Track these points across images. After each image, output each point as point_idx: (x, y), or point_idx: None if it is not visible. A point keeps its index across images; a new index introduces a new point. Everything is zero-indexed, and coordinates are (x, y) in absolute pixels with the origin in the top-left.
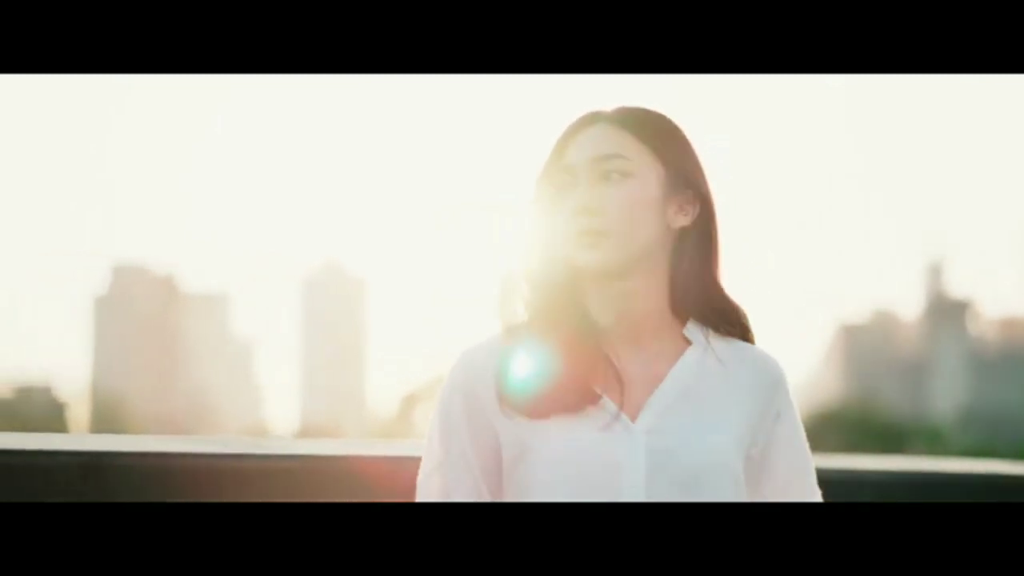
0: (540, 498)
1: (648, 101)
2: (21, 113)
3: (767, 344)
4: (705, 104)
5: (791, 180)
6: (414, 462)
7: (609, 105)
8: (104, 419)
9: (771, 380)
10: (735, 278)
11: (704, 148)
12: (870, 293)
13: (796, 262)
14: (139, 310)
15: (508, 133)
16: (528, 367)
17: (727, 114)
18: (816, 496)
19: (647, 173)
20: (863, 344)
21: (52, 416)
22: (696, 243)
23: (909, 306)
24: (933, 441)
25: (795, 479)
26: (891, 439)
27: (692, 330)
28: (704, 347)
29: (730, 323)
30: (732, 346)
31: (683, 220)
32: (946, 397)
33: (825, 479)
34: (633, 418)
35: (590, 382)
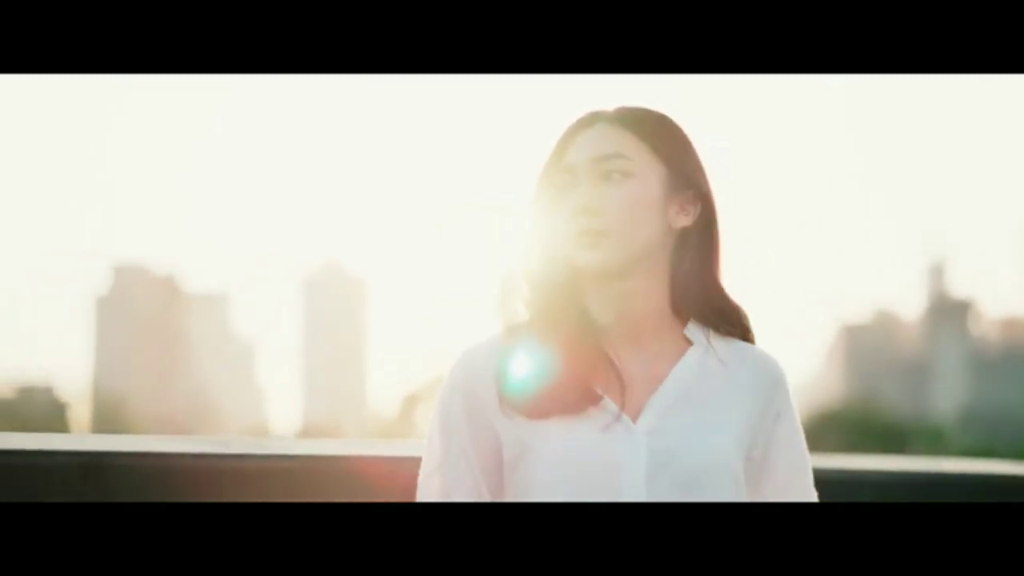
0: (540, 498)
1: (648, 101)
2: (21, 113)
3: (768, 344)
4: (705, 104)
5: (791, 180)
6: (414, 462)
7: (609, 105)
8: (105, 419)
9: (771, 380)
10: (736, 278)
11: (704, 148)
12: (871, 293)
13: (797, 262)
14: (140, 310)
15: (508, 133)
16: (528, 367)
17: (727, 114)
18: (813, 497)
19: (648, 173)
20: (864, 344)
21: (53, 416)
22: (697, 243)
23: (910, 306)
24: (934, 441)
25: (794, 479)
26: (892, 439)
27: (693, 330)
28: (705, 347)
29: (730, 323)
30: (733, 346)
31: (684, 220)
32: (947, 397)
33: (825, 479)
34: (634, 418)
35: (591, 382)
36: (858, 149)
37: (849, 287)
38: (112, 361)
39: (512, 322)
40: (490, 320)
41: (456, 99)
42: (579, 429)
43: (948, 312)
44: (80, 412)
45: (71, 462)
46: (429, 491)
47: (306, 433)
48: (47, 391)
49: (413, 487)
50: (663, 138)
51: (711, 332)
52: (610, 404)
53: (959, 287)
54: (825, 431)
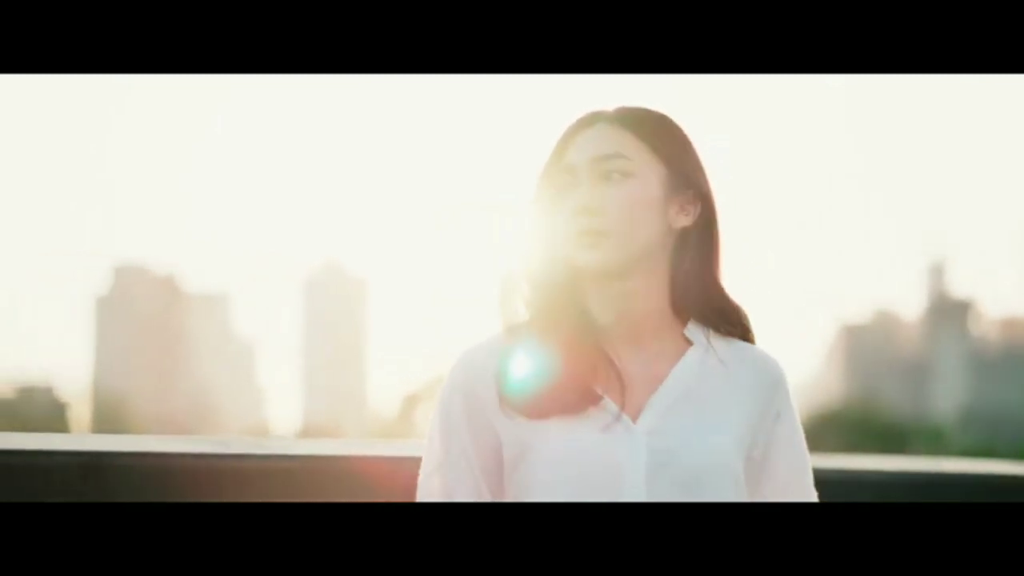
0: (541, 498)
1: (648, 101)
2: (21, 113)
3: (769, 344)
4: (705, 104)
5: (791, 180)
6: (414, 462)
7: (609, 105)
8: (105, 419)
9: (771, 380)
10: (736, 278)
11: (704, 148)
12: (871, 293)
13: (797, 262)
14: (140, 310)
15: (508, 133)
16: (528, 367)
17: (727, 114)
18: (812, 497)
19: (648, 173)
20: (864, 344)
21: (53, 416)
22: (697, 243)
23: (910, 306)
24: (934, 441)
25: (794, 480)
26: (892, 439)
27: (693, 330)
28: (705, 347)
29: (730, 323)
30: (733, 346)
31: (684, 220)
32: (947, 397)
33: (825, 479)
34: (634, 419)
35: (591, 382)
36: (858, 149)
37: (849, 287)
38: (112, 361)
39: (512, 322)
40: (491, 320)
41: (456, 99)
42: (579, 429)
43: (948, 312)
44: (80, 412)
45: (71, 462)
46: (429, 491)
47: (306, 433)
48: (47, 391)
49: (413, 487)
50: (663, 138)
51: (711, 332)
52: (610, 404)
53: (959, 287)
54: (825, 431)
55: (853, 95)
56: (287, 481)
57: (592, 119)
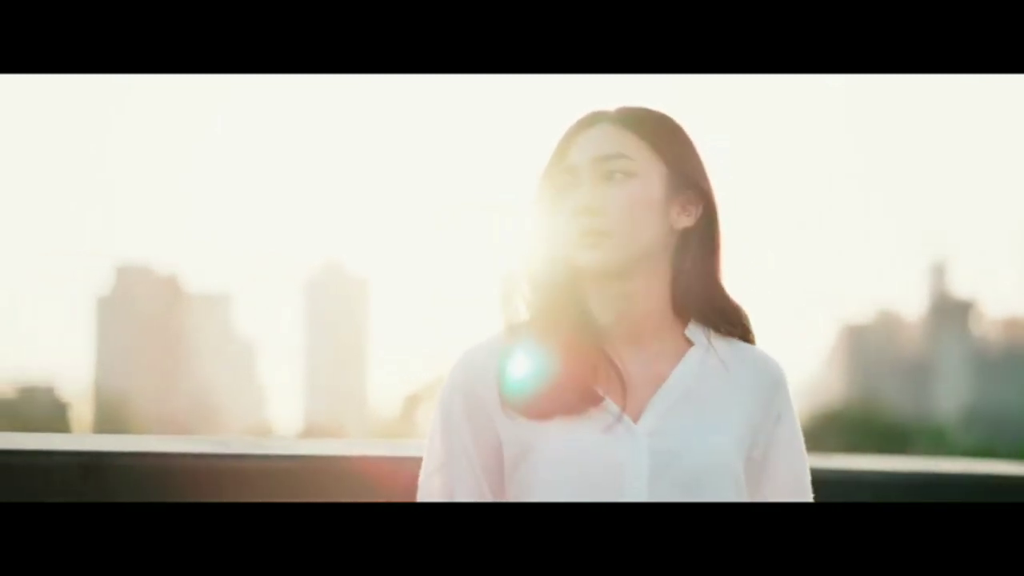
0: (542, 498)
1: (648, 101)
2: (22, 113)
3: (770, 344)
4: (705, 104)
5: (792, 180)
6: (415, 462)
7: (610, 105)
8: (107, 419)
9: (772, 381)
10: (738, 278)
11: (704, 148)
12: (873, 293)
13: (799, 262)
14: (142, 310)
15: (508, 133)
16: (529, 367)
17: (727, 114)
18: (809, 498)
19: (650, 173)
20: (866, 344)
21: (55, 416)
22: (699, 244)
23: (912, 306)
24: (936, 441)
25: (793, 480)
26: (894, 439)
27: (694, 330)
28: (706, 348)
29: (731, 323)
30: (733, 346)
31: (686, 221)
32: (949, 397)
33: (825, 479)
34: (635, 419)
35: (591, 383)
36: (858, 149)
37: (851, 287)
38: (114, 361)
39: (513, 322)
40: (492, 320)
41: (456, 99)
42: (580, 429)
43: (950, 312)
44: (81, 412)
45: (71, 462)
46: (430, 491)
47: (307, 433)
48: (49, 391)
49: (414, 487)
50: (665, 138)
51: (711, 332)
52: (611, 405)
53: (961, 287)
54: (827, 431)
55: (853, 95)
56: (287, 481)
57: (593, 119)
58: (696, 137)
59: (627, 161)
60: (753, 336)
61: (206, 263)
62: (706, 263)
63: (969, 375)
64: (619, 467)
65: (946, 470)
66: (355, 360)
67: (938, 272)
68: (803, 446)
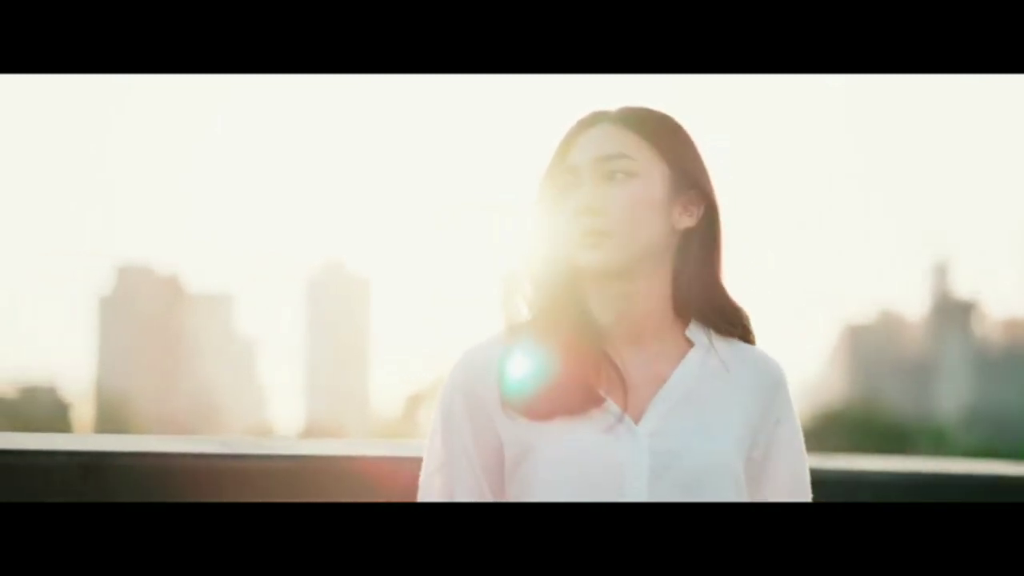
0: (542, 498)
1: (649, 101)
2: (23, 113)
3: (772, 344)
4: (705, 104)
5: (792, 180)
6: (416, 462)
7: (612, 105)
8: (108, 419)
9: (772, 382)
10: (739, 278)
11: (705, 148)
12: (875, 293)
13: (800, 262)
14: (143, 310)
15: (509, 133)
16: (530, 367)
17: (727, 114)
18: (808, 498)
19: (652, 173)
20: (868, 344)
21: (56, 416)
22: (700, 244)
23: (914, 306)
24: (937, 441)
25: (794, 481)
26: (895, 439)
27: (694, 331)
28: (707, 348)
29: (731, 323)
30: (734, 347)
31: (687, 221)
32: (951, 398)
33: (825, 479)
34: (636, 420)
35: (592, 383)
36: (859, 149)
37: (852, 287)
38: (115, 361)
39: (514, 322)
40: (493, 320)
41: (457, 99)
42: (581, 430)
43: (951, 312)
44: (83, 412)
45: (71, 462)
46: (431, 491)
47: (308, 433)
48: (50, 391)
49: (414, 487)
50: (667, 138)
51: (712, 333)
52: (612, 405)
53: (962, 287)
54: (828, 431)
55: (853, 95)
56: (287, 481)
57: (595, 119)
58: (697, 137)
59: (629, 161)
60: (753, 336)
61: (207, 263)
62: (707, 263)
63: (970, 375)
64: (620, 467)
65: (947, 470)
66: (356, 360)
67: (940, 272)
68: (803, 446)
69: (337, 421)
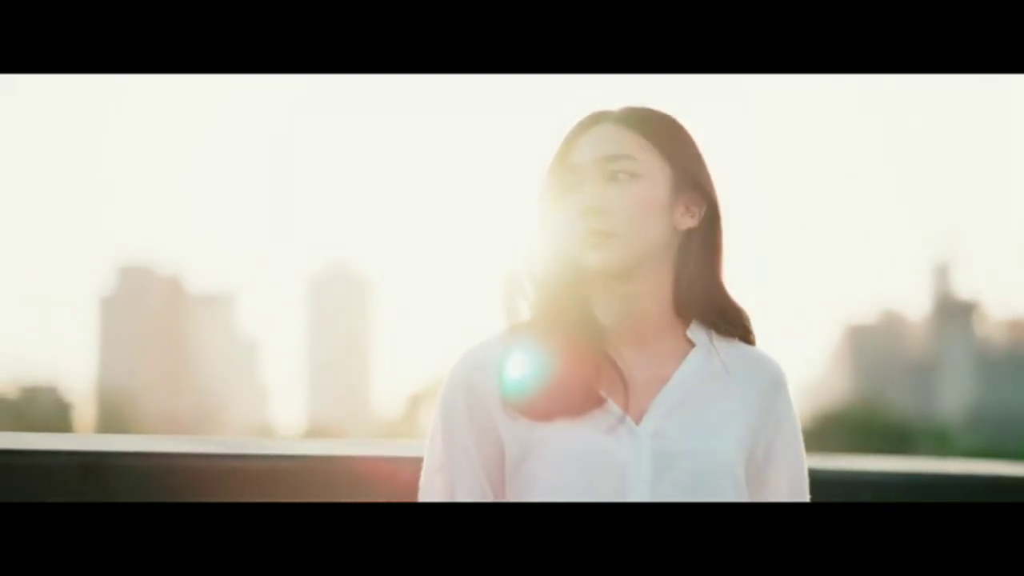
0: (543, 498)
1: (650, 101)
2: (23, 113)
3: (774, 345)
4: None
5: (793, 180)
6: (417, 462)
7: (614, 105)
8: (110, 419)
9: (773, 382)
10: (740, 279)
11: (706, 148)
12: (876, 293)
13: (802, 263)
14: (145, 310)
15: (510, 133)
16: (531, 368)
17: (727, 114)
18: (806, 498)
19: (654, 174)
20: (869, 345)
21: (58, 416)
22: (702, 245)
23: (915, 307)
24: (940, 442)
25: (794, 482)
26: (897, 440)
27: (695, 331)
28: (708, 349)
29: (731, 324)
30: (734, 348)
31: (690, 221)
32: (952, 398)
33: (826, 479)
34: (637, 421)
35: (593, 384)
36: (860, 149)
37: (854, 287)
38: (116, 361)
39: (515, 322)
40: (494, 320)
41: (457, 99)
42: (582, 430)
43: (953, 313)
44: (84, 412)
45: (72, 462)
46: (432, 491)
47: (310, 433)
48: (51, 391)
49: (415, 487)
50: (669, 139)
51: (713, 333)
52: (613, 406)
53: (964, 288)
54: (830, 432)
55: (853, 95)
56: (288, 481)
57: (597, 119)
58: (698, 137)
59: (631, 161)
60: (754, 337)
61: (209, 263)
62: (708, 264)
63: (972, 376)
64: (621, 468)
65: (947, 470)
66: (358, 360)
67: (942, 272)
68: (803, 447)
69: (338, 421)
